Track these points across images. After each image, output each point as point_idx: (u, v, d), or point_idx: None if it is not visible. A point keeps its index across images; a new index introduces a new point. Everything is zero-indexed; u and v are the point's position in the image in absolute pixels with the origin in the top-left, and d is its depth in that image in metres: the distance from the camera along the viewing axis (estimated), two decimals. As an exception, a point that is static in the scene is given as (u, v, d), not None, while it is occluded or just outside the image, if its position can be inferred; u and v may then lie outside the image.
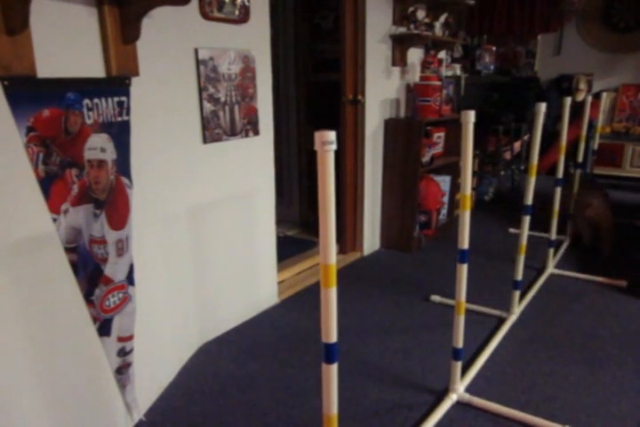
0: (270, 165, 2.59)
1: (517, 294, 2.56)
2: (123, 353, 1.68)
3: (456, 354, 1.91)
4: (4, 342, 1.33)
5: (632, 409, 1.90)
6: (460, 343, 1.90)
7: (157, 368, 2.00)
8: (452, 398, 1.93)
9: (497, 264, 3.31)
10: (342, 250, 3.46)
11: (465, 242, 1.78)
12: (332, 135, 1.02)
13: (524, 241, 2.49)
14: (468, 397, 1.93)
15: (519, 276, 2.54)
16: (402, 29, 3.30)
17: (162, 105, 1.88)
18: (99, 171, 1.49)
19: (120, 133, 1.56)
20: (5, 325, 1.33)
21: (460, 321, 1.88)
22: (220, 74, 2.14)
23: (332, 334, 1.20)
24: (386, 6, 3.17)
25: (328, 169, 1.04)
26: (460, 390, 1.96)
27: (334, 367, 1.23)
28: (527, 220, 2.45)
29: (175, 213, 2.06)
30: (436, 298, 2.77)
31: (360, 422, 1.84)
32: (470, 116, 1.63)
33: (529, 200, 2.40)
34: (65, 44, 1.42)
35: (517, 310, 2.61)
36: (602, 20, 5.78)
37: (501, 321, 2.53)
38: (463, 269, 1.82)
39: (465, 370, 2.09)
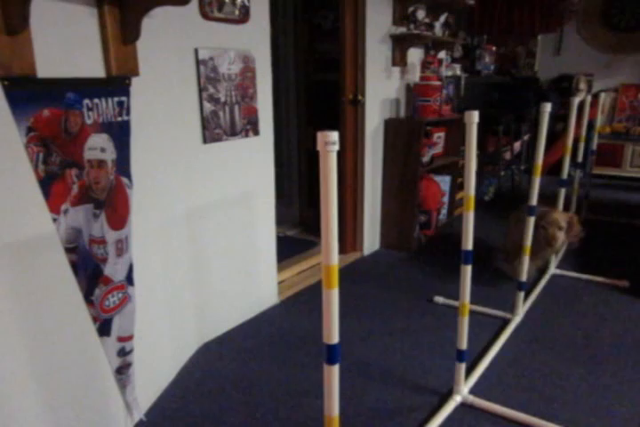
0: (270, 165, 2.59)
1: (522, 295, 2.55)
2: (123, 353, 1.68)
3: (460, 356, 1.90)
4: (4, 342, 1.32)
5: (632, 409, 1.89)
6: (464, 345, 1.89)
7: (157, 368, 1.99)
8: (455, 400, 1.92)
9: (498, 264, 3.31)
10: (342, 250, 3.45)
11: (469, 243, 1.76)
12: (334, 135, 1.01)
13: (528, 242, 2.46)
14: (471, 398, 1.92)
15: (524, 277, 2.52)
16: (402, 29, 3.29)
17: (162, 105, 1.87)
18: (99, 171, 1.48)
19: (120, 133, 1.55)
20: (5, 325, 1.32)
21: (464, 323, 1.87)
22: (220, 74, 2.14)
23: (333, 335, 1.19)
24: (386, 6, 3.17)
25: (331, 169, 1.04)
26: (464, 391, 1.95)
27: (336, 368, 1.23)
28: (532, 220, 2.42)
29: (175, 212, 2.06)
30: (439, 299, 2.76)
31: (362, 424, 1.83)
32: (474, 117, 1.62)
33: (534, 201, 2.38)
34: (65, 44, 1.41)
35: (521, 311, 2.59)
36: (602, 20, 5.77)
37: (506, 322, 2.52)
38: (467, 271, 1.80)
39: (469, 372, 2.08)
